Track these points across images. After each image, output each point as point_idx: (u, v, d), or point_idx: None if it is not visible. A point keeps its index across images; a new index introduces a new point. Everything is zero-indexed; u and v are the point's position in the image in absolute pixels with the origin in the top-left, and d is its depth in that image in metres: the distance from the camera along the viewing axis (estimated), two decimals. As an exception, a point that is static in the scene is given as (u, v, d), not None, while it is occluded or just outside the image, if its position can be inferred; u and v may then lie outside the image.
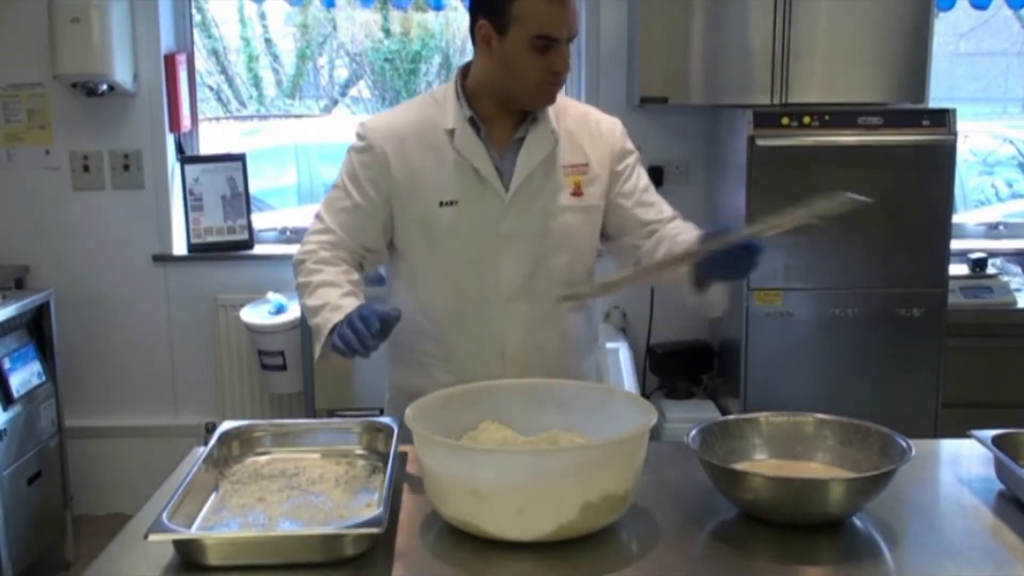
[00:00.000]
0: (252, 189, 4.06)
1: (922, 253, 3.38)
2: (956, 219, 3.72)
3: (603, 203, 2.02)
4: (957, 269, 3.59)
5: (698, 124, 3.87)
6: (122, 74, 3.70)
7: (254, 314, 3.74)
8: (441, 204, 1.95)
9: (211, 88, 5.29)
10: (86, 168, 3.88)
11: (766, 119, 3.31)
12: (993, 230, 4.16)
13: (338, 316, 1.84)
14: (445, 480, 1.52)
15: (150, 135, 3.87)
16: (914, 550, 1.55)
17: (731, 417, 1.84)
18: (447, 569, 1.48)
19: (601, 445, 1.58)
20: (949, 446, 2.01)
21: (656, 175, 3.75)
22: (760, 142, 3.30)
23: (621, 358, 3.60)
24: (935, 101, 3.69)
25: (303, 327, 3.52)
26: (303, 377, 3.59)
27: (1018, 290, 3.68)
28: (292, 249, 3.95)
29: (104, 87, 3.72)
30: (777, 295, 3.37)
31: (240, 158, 4.02)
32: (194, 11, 4.12)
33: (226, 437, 1.82)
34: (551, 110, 1.98)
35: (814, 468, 1.71)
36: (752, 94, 3.50)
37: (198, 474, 1.64)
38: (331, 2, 4.17)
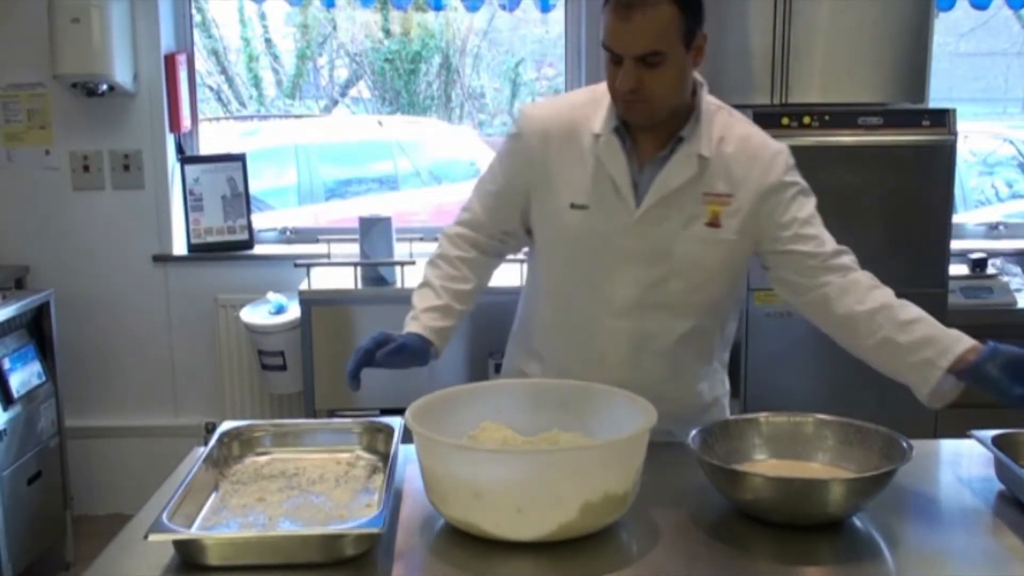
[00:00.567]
0: (252, 189, 4.06)
1: (922, 253, 3.37)
2: (956, 219, 3.72)
3: (740, 238, 1.89)
4: (957, 269, 3.59)
5: (698, 124, 3.86)
6: (122, 74, 3.70)
7: (254, 314, 3.74)
8: (572, 206, 1.91)
9: (211, 88, 5.28)
10: (86, 168, 3.88)
11: (766, 119, 3.29)
12: (993, 230, 4.15)
13: (410, 327, 1.90)
14: (445, 480, 1.52)
15: (150, 135, 3.87)
16: (914, 550, 1.55)
17: (731, 417, 1.84)
18: (447, 569, 1.48)
19: (601, 445, 1.59)
20: (949, 446, 2.01)
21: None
22: (760, 142, 3.30)
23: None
24: (935, 101, 3.69)
25: (303, 327, 3.52)
26: (303, 377, 3.59)
27: (1018, 290, 3.68)
28: (292, 249, 4.01)
29: (104, 87, 3.71)
30: (777, 295, 3.36)
31: (240, 158, 4.02)
32: (194, 11, 4.12)
33: (226, 437, 1.82)
34: (707, 130, 1.87)
35: (814, 468, 1.71)
36: (752, 94, 3.49)
37: (198, 474, 1.64)
38: (331, 2, 4.17)
